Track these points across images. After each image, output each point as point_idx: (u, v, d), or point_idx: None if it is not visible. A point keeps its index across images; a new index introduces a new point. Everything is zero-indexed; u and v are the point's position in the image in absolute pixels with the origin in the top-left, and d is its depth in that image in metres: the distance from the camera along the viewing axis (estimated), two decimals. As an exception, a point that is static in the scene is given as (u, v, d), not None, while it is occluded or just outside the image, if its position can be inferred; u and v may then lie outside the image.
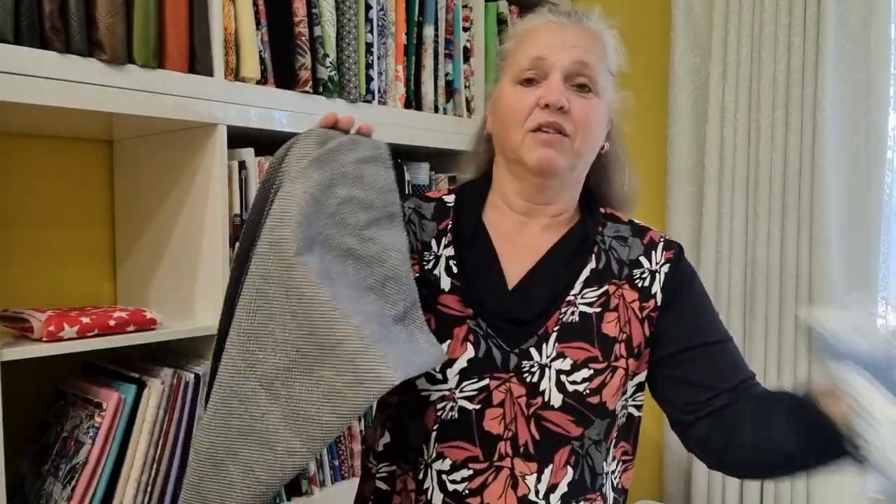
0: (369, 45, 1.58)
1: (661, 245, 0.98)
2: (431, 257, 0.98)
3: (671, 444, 2.00)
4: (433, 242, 0.99)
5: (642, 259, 0.97)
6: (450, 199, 1.04)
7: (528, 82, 0.93)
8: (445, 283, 0.96)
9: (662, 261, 0.97)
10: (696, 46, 1.92)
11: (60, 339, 1.13)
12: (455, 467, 0.92)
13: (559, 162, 0.92)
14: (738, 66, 1.81)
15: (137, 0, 1.19)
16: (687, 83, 1.93)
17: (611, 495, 0.98)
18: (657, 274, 0.96)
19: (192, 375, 1.29)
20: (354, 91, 1.53)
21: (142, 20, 1.19)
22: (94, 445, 1.18)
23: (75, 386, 1.29)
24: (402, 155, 1.70)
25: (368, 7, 1.57)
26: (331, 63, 1.48)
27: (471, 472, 0.92)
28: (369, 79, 1.59)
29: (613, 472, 0.99)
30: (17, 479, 1.30)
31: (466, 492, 0.92)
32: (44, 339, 1.12)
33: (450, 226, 1.00)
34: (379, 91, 1.62)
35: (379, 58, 1.62)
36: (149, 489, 1.23)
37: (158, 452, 1.24)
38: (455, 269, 0.97)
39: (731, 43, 1.82)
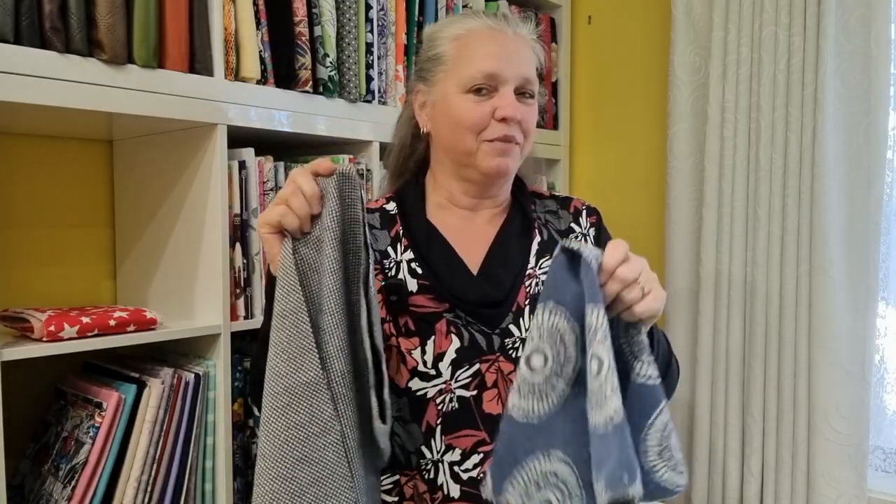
0: (369, 45, 1.58)
1: (584, 211, 1.12)
2: (392, 264, 1.02)
3: (671, 444, 2.00)
4: (390, 250, 1.03)
5: (573, 225, 1.10)
6: (390, 206, 1.09)
7: (478, 92, 0.99)
8: (412, 284, 1.00)
9: (588, 225, 1.10)
10: (696, 46, 1.92)
11: (60, 339, 1.13)
12: (465, 455, 0.97)
13: (510, 167, 1.03)
14: (738, 66, 1.81)
15: (137, 0, 1.19)
16: (687, 83, 1.92)
17: None
18: (587, 236, 1.09)
19: (192, 375, 1.29)
20: (354, 91, 1.53)
21: (142, 20, 1.19)
22: (94, 445, 1.18)
23: (75, 386, 1.29)
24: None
25: (368, 7, 1.57)
26: (331, 63, 1.48)
27: (481, 455, 0.96)
28: (369, 79, 1.59)
29: None
30: (17, 479, 1.30)
31: (481, 475, 0.96)
32: (44, 338, 1.12)
33: (401, 231, 1.05)
34: (379, 91, 1.62)
35: (379, 58, 1.62)
36: (149, 489, 1.23)
37: (158, 452, 1.24)
38: (420, 270, 1.01)
39: (731, 43, 1.82)
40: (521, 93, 1.01)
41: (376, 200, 1.12)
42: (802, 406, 1.74)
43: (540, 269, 1.03)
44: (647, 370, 0.82)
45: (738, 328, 1.84)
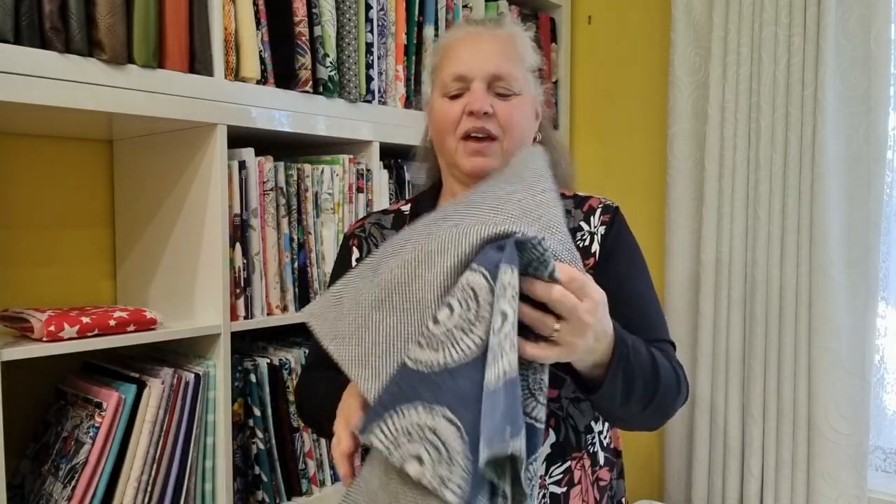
0: (369, 45, 1.58)
1: (599, 210, 1.06)
2: None
3: (671, 444, 2.00)
4: None
5: (582, 224, 1.05)
6: (406, 207, 1.13)
7: (452, 94, 1.02)
8: None
9: (599, 223, 1.05)
10: (696, 46, 1.92)
11: (60, 339, 1.13)
12: None
13: (491, 165, 1.01)
14: (738, 66, 1.81)
15: (137, 0, 1.19)
16: (687, 83, 1.93)
17: (601, 454, 1.03)
18: (595, 235, 1.04)
19: (192, 375, 1.29)
20: (354, 91, 1.54)
21: (142, 20, 1.19)
22: (94, 445, 1.18)
23: (75, 386, 1.29)
24: (402, 155, 1.70)
25: (368, 7, 1.57)
26: (331, 63, 1.48)
27: None
28: (369, 79, 1.59)
29: (601, 431, 1.04)
30: (17, 479, 1.30)
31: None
32: (44, 338, 1.12)
33: None
34: (379, 91, 1.62)
35: (379, 58, 1.62)
36: (149, 489, 1.23)
37: (158, 452, 1.24)
38: None
39: (731, 43, 1.82)
40: (498, 89, 1.01)
41: (396, 204, 1.16)
42: (802, 406, 1.74)
43: None
44: (537, 412, 0.78)
45: (737, 328, 1.84)
